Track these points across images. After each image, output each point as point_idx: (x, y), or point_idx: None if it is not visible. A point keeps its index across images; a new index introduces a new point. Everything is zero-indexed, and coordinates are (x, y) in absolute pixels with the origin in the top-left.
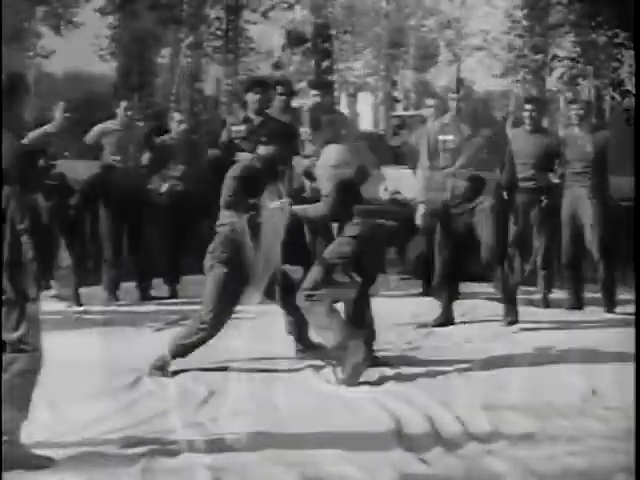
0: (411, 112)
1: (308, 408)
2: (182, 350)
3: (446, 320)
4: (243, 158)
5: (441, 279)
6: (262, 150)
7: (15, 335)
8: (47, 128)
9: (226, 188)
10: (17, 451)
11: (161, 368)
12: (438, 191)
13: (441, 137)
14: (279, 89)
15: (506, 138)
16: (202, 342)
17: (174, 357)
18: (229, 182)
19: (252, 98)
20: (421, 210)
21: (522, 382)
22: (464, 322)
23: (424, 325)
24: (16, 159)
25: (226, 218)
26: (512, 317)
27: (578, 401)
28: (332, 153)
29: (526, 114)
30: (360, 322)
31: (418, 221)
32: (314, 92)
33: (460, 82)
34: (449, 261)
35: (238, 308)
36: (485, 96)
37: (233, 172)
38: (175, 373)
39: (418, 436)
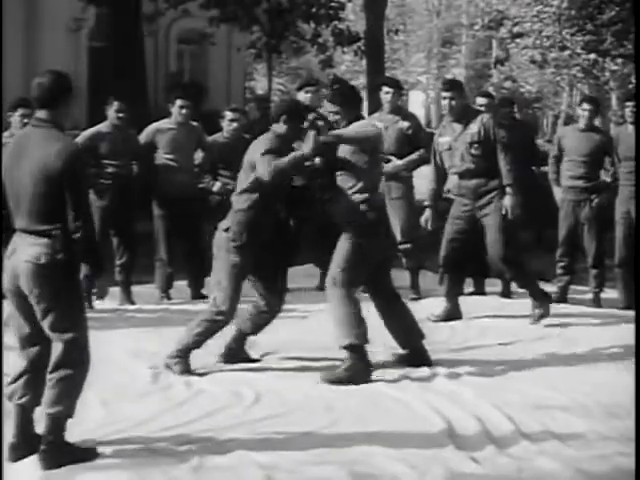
0: None
1: (358, 407)
2: (200, 343)
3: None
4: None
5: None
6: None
7: None
8: (100, 127)
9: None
10: (62, 448)
11: (182, 363)
12: (449, 191)
13: (440, 139)
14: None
15: (495, 132)
16: (219, 331)
17: (191, 350)
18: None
19: (304, 97)
20: (426, 214)
21: (571, 381)
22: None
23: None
24: (74, 159)
25: (247, 201)
26: (540, 312)
27: (629, 401)
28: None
29: (582, 113)
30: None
31: (423, 224)
32: (386, 89)
33: (451, 81)
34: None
35: (290, 306)
36: (537, 94)
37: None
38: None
39: (469, 436)
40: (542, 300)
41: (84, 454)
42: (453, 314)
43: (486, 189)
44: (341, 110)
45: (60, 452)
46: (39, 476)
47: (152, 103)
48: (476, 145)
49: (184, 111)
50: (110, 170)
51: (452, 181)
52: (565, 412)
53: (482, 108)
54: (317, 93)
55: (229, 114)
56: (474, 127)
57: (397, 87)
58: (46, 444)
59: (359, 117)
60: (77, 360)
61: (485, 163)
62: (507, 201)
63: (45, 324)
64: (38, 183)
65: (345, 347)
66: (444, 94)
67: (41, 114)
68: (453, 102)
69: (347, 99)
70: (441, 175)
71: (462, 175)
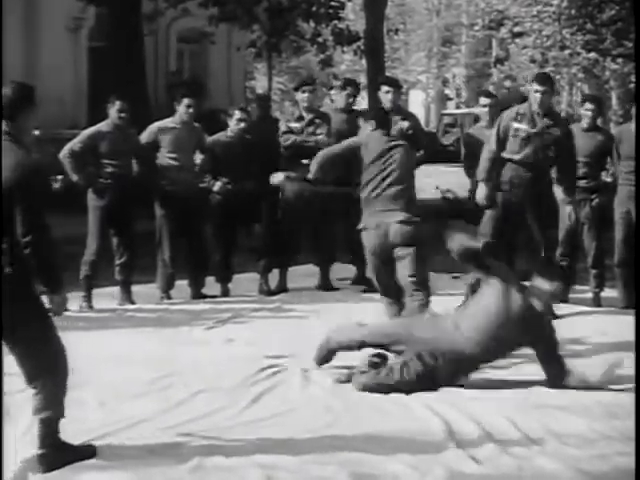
0: (463, 110)
1: (357, 407)
2: None
3: None
4: None
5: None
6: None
7: None
8: (101, 126)
9: None
10: (59, 450)
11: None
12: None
13: (515, 124)
14: (348, 89)
15: (572, 142)
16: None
17: None
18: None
19: (301, 97)
20: (483, 189)
21: None
22: None
23: None
24: (26, 173)
25: None
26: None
27: (629, 400)
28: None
29: (585, 113)
30: None
31: (481, 201)
32: (386, 89)
33: (545, 75)
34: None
35: (289, 306)
36: None
37: None
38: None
39: (469, 435)
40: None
41: (82, 453)
42: None
43: (538, 186)
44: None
45: (58, 453)
46: (39, 478)
47: (152, 102)
48: (554, 148)
49: (190, 110)
50: (110, 170)
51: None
52: (565, 412)
53: (485, 108)
54: (314, 92)
55: (238, 113)
56: (558, 131)
57: (397, 86)
58: (43, 447)
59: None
60: (53, 366)
61: (549, 164)
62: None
63: (14, 338)
64: None
65: None
66: (537, 87)
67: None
68: (545, 96)
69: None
70: (498, 156)
71: (525, 165)
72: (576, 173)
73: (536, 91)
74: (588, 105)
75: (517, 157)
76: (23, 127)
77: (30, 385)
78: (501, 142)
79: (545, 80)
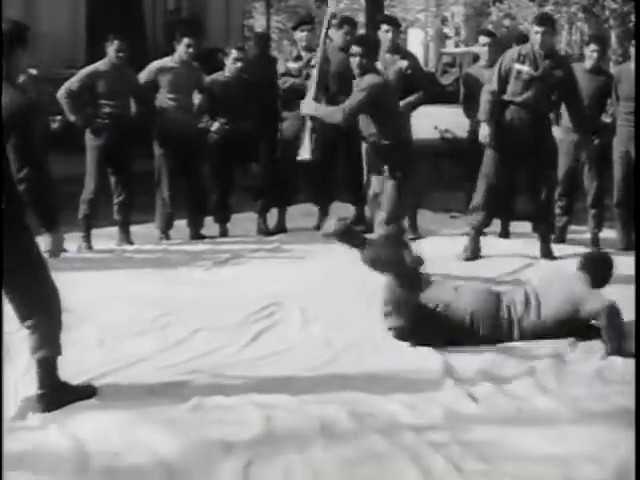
0: (462, 49)
1: (356, 345)
2: None
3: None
4: None
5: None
6: None
7: None
8: (98, 65)
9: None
10: (59, 389)
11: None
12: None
13: (517, 66)
14: (345, 27)
15: (576, 82)
16: None
17: None
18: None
19: (299, 36)
20: (485, 129)
21: None
22: None
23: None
24: (18, 110)
25: None
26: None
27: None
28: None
29: (591, 54)
30: None
31: (483, 140)
32: (386, 28)
33: (545, 15)
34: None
35: (288, 246)
36: None
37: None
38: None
39: (467, 374)
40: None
41: (82, 393)
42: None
43: (538, 126)
44: (364, 53)
45: (57, 393)
46: (39, 417)
47: (150, 41)
48: (557, 91)
49: (190, 50)
50: (107, 110)
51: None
52: (564, 348)
53: (484, 47)
54: (313, 32)
55: (235, 53)
56: (561, 72)
57: (396, 25)
58: (42, 387)
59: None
60: (46, 304)
61: (554, 106)
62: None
63: (6, 276)
64: None
65: None
66: (537, 28)
67: None
68: (546, 36)
69: (371, 45)
70: (499, 97)
71: (526, 107)
72: (585, 111)
73: (537, 32)
74: (593, 46)
75: (519, 99)
76: (15, 66)
77: (23, 324)
78: (502, 83)
79: (546, 20)
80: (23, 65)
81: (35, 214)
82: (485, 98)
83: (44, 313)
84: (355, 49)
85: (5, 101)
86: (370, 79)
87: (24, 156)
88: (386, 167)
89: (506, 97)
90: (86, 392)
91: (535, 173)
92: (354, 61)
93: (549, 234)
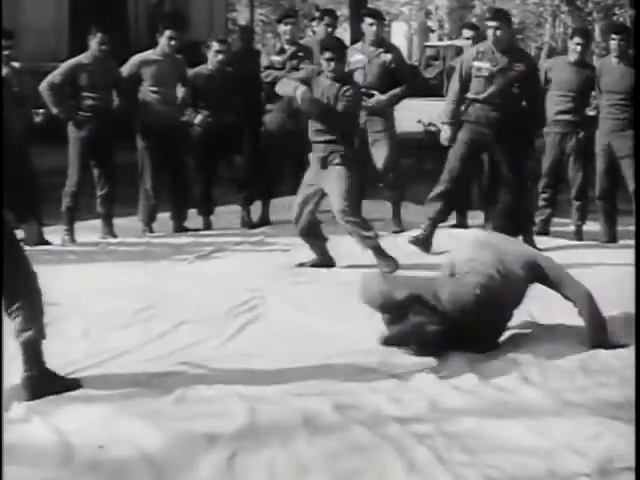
0: (446, 42)
1: (341, 340)
2: None
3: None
4: None
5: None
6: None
7: None
8: (81, 58)
9: None
10: (45, 377)
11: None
12: (464, 116)
13: (476, 64)
14: (325, 19)
15: (537, 76)
16: None
17: None
18: None
19: (283, 29)
20: (447, 132)
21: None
22: None
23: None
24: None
25: None
26: None
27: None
28: None
29: (575, 47)
30: None
31: (444, 142)
32: (370, 21)
33: (498, 10)
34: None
35: (272, 239)
36: (520, 25)
37: None
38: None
39: (452, 365)
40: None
41: (68, 384)
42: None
43: (504, 124)
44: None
45: (43, 380)
46: (24, 406)
47: (133, 34)
48: (518, 84)
49: (172, 42)
50: (90, 102)
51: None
52: (548, 341)
53: (468, 40)
54: (296, 24)
55: (215, 45)
56: (521, 66)
57: (380, 18)
58: (28, 371)
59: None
60: (26, 289)
61: (515, 101)
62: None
63: None
64: None
65: None
66: (490, 23)
67: None
68: (499, 32)
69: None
70: (461, 97)
71: (490, 104)
72: (544, 107)
73: (490, 27)
74: (577, 39)
75: (481, 96)
76: None
77: (7, 311)
78: (464, 83)
79: (499, 15)
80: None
81: (10, 205)
82: (448, 99)
83: (26, 297)
84: (328, 54)
85: None
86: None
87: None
88: (336, 157)
89: (469, 95)
90: (72, 384)
91: (509, 168)
92: (327, 65)
93: (530, 227)
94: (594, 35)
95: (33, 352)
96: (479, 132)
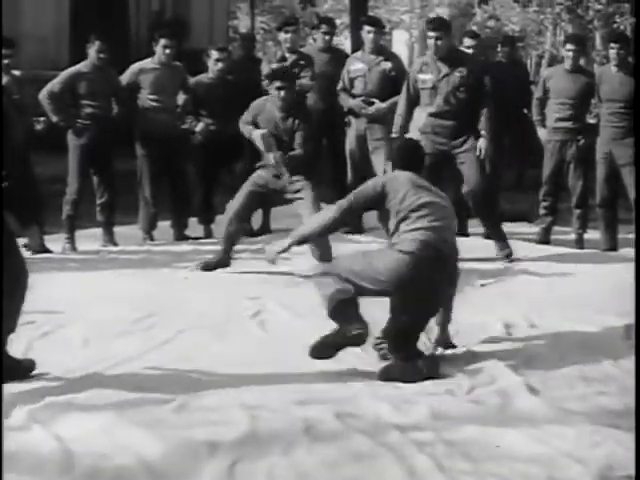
0: None
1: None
2: None
3: None
4: None
5: None
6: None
7: None
8: (80, 67)
9: None
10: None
11: None
12: (420, 130)
13: (420, 76)
14: (323, 27)
15: (482, 79)
16: None
17: None
18: None
19: (284, 37)
20: None
21: (553, 319)
22: None
23: None
24: None
25: None
26: (507, 251)
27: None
28: None
29: (567, 53)
30: None
31: None
32: (368, 29)
33: (438, 20)
34: None
35: None
36: (520, 33)
37: None
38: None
39: (452, 372)
40: (504, 241)
41: (24, 366)
42: None
43: (463, 131)
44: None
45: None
46: (25, 414)
47: (134, 42)
48: (463, 88)
49: (167, 51)
50: (89, 110)
51: (421, 118)
52: (547, 350)
53: (469, 49)
54: (297, 32)
55: (215, 53)
56: (464, 70)
57: (379, 26)
58: None
59: None
60: (12, 286)
61: (467, 107)
62: (481, 142)
63: None
64: None
65: None
66: (430, 33)
67: None
68: (439, 42)
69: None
70: (411, 110)
71: (441, 115)
72: (491, 110)
73: (430, 37)
74: (569, 45)
75: (430, 109)
76: None
77: None
78: (412, 98)
79: (438, 25)
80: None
81: (12, 212)
82: (397, 113)
83: (10, 296)
84: (278, 83)
85: None
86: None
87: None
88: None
89: (419, 108)
90: (27, 366)
91: (471, 176)
92: (277, 94)
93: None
94: (595, 43)
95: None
96: (436, 142)
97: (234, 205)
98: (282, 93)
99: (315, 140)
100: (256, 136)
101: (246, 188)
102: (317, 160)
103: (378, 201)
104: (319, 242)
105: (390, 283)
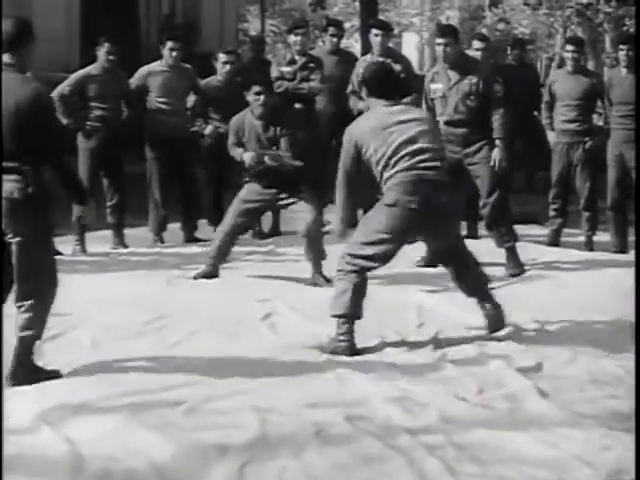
0: None
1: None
2: None
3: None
4: None
5: None
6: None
7: None
8: (90, 69)
9: None
10: (29, 369)
11: None
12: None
13: (432, 86)
14: (331, 30)
15: (492, 84)
16: None
17: None
18: None
19: (294, 40)
20: None
21: (565, 324)
22: None
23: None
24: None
25: None
26: (517, 269)
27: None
28: None
29: (568, 55)
30: None
31: None
32: (375, 32)
33: (446, 27)
34: None
35: (282, 249)
36: (530, 36)
37: None
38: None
39: (460, 375)
40: (515, 258)
41: (48, 375)
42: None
43: (476, 138)
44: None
45: (29, 373)
46: (33, 414)
47: (144, 45)
48: (473, 97)
49: (174, 53)
50: (99, 113)
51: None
52: (557, 352)
53: (478, 52)
54: (307, 35)
55: (223, 56)
56: (473, 78)
57: (387, 29)
58: (19, 364)
59: None
60: (44, 288)
61: (479, 114)
62: (496, 154)
63: (15, 254)
64: (8, 124)
65: None
66: (438, 40)
67: (5, 58)
68: (448, 48)
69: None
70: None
71: (453, 123)
72: (504, 116)
73: (438, 44)
74: (569, 47)
75: (443, 118)
76: (26, 60)
77: (17, 303)
78: (431, 109)
79: (446, 32)
80: (31, 60)
81: (67, 192)
82: None
83: (40, 298)
84: (256, 88)
85: (25, 92)
86: None
87: (54, 143)
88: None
89: (437, 119)
90: (51, 375)
91: (485, 184)
92: (256, 99)
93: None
94: (605, 46)
95: (27, 348)
96: (450, 150)
97: (225, 225)
98: (261, 98)
99: (324, 142)
100: (247, 159)
101: (236, 207)
102: (325, 163)
103: (359, 154)
104: (313, 243)
105: (394, 237)
